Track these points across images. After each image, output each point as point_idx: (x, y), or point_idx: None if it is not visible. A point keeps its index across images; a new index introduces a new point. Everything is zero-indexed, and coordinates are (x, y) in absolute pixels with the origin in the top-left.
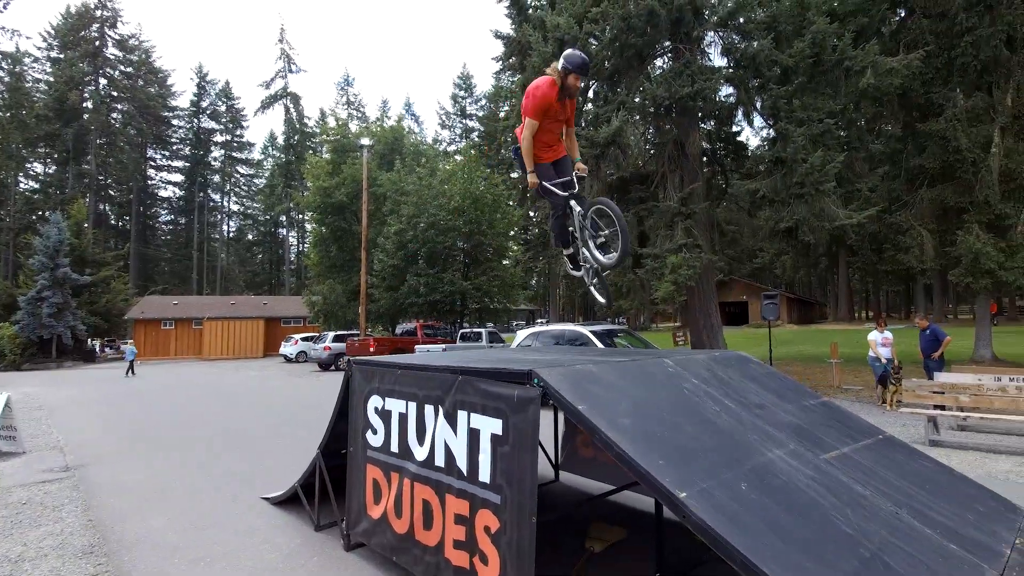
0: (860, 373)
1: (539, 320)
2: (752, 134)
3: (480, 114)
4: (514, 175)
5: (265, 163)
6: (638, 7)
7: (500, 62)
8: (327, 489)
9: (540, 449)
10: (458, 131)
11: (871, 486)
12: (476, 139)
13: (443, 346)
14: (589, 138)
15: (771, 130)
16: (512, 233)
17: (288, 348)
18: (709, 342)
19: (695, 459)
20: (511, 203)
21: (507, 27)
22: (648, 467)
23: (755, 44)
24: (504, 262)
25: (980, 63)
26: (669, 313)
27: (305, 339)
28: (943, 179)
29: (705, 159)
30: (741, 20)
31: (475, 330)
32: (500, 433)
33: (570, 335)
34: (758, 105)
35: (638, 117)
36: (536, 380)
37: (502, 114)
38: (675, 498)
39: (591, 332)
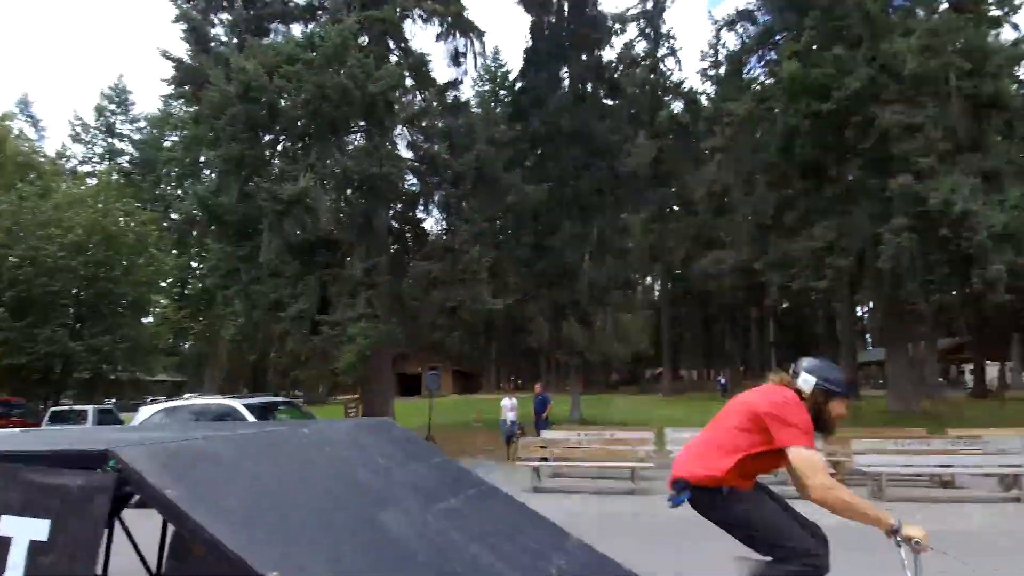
0: (499, 435)
1: (187, 394)
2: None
3: (136, 137)
4: (175, 216)
5: None
6: (333, 82)
7: (171, 86)
8: None
9: (138, 555)
10: (99, 150)
11: (466, 532)
12: (126, 164)
13: (18, 430)
14: (273, 193)
15: (444, 222)
16: (163, 284)
17: None
18: (380, 412)
19: (304, 531)
20: (162, 248)
21: (182, 51)
22: (239, 549)
23: (435, 147)
24: (145, 319)
25: (581, 202)
26: (349, 384)
27: None
28: (556, 283)
29: (392, 236)
30: (424, 124)
31: (78, 407)
32: (45, 539)
33: (217, 410)
34: (436, 199)
35: (331, 183)
36: (112, 462)
37: (167, 143)
38: None
39: (244, 406)
